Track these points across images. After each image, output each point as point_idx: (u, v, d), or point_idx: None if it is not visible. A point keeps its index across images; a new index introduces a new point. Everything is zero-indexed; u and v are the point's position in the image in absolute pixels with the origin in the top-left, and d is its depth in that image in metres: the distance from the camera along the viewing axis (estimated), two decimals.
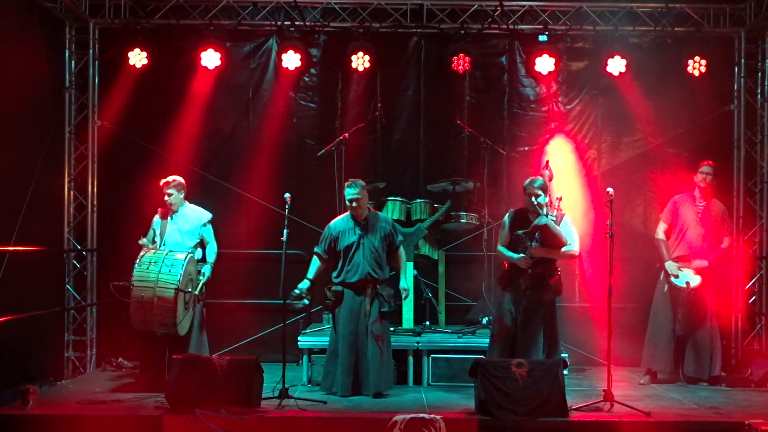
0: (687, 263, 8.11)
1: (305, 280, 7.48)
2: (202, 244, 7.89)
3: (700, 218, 8.19)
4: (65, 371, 8.72)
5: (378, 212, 7.80)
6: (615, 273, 6.95)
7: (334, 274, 7.56)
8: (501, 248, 7.23)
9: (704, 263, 8.10)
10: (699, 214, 8.20)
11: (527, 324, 7.04)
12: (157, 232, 7.80)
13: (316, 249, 7.64)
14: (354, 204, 7.41)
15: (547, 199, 7.06)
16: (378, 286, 7.49)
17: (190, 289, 7.45)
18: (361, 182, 7.51)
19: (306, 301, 7.54)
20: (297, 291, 7.40)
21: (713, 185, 8.27)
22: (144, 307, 7.22)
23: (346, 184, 7.51)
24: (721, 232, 8.24)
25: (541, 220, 6.93)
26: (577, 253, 7.21)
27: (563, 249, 7.04)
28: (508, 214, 7.31)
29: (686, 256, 8.13)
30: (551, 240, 6.99)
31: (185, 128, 9.06)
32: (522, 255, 7.01)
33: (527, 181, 7.11)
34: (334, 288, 7.52)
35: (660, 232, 8.32)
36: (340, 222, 7.59)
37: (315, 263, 7.60)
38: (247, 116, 9.37)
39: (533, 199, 6.96)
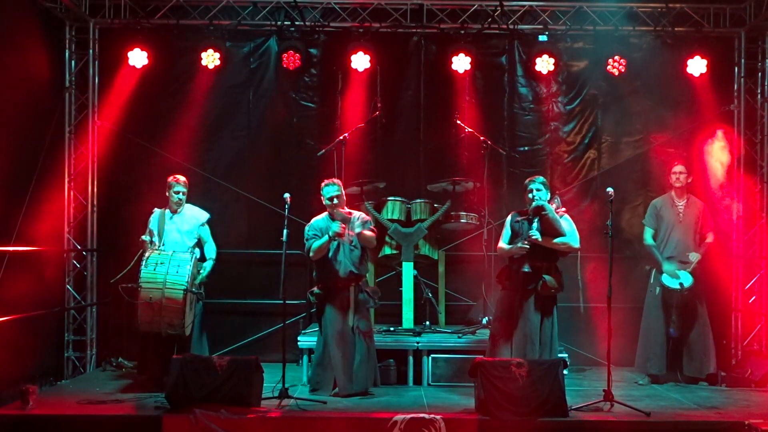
0: (679, 263, 8.12)
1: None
2: (199, 243, 7.90)
3: (682, 218, 8.25)
4: (65, 371, 8.73)
5: (353, 210, 7.67)
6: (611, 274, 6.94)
7: (315, 275, 7.55)
8: (501, 244, 7.22)
9: (698, 256, 8.13)
10: (680, 214, 8.26)
11: (527, 321, 7.01)
12: (155, 232, 7.76)
13: (308, 241, 7.43)
14: (335, 201, 7.39)
15: (549, 195, 7.08)
16: (360, 282, 7.49)
17: (194, 290, 7.45)
18: (338, 181, 7.53)
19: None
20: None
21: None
22: (152, 308, 7.17)
23: (323, 183, 7.48)
24: (704, 228, 8.29)
25: (538, 202, 6.96)
26: (577, 247, 7.11)
27: (562, 240, 7.00)
28: (510, 215, 7.30)
29: (676, 257, 8.15)
30: (549, 227, 6.96)
31: (185, 128, 9.06)
32: (519, 244, 7.01)
33: (528, 179, 7.15)
34: (316, 291, 7.45)
35: (648, 238, 8.34)
36: (321, 221, 7.52)
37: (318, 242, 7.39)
38: (247, 116, 9.37)
39: (531, 194, 7.00)
